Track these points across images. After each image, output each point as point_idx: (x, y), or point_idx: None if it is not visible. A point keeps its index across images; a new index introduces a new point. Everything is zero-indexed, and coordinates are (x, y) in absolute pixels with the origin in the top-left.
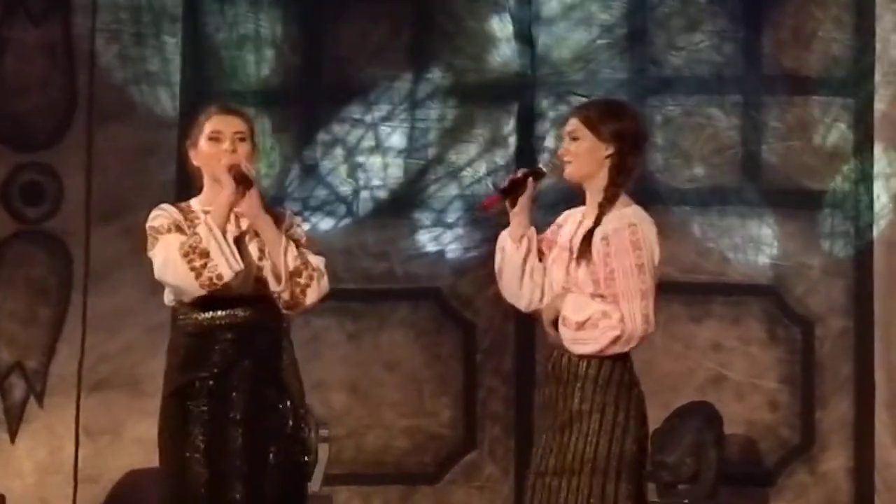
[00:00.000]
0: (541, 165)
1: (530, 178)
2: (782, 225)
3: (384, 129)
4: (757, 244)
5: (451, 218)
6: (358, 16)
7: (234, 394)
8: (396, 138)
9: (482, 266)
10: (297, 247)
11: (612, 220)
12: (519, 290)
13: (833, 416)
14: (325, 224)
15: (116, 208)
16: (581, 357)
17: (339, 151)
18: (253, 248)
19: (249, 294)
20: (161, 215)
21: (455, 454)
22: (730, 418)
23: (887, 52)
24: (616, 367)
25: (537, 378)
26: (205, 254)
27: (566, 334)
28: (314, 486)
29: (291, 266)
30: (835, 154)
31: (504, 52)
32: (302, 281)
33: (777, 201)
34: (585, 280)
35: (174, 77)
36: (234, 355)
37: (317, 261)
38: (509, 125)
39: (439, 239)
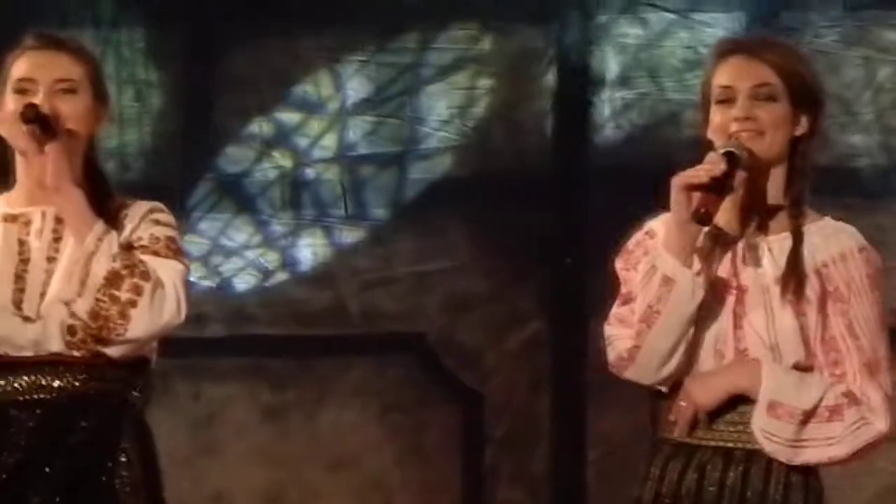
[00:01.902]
0: (731, 147)
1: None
2: None
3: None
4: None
5: (427, 218)
6: None
7: None
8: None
9: (495, 300)
10: (129, 248)
11: (821, 238)
12: (673, 350)
13: None
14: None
15: None
16: (768, 468)
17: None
18: (71, 257)
19: (62, 350)
20: None
21: None
22: None
23: None
24: (819, 483)
25: (591, 490)
26: None
27: (782, 430)
28: None
29: (103, 271)
30: None
31: None
32: (121, 295)
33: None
34: (794, 336)
35: None
36: (33, 450)
37: (165, 269)
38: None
39: (418, 254)
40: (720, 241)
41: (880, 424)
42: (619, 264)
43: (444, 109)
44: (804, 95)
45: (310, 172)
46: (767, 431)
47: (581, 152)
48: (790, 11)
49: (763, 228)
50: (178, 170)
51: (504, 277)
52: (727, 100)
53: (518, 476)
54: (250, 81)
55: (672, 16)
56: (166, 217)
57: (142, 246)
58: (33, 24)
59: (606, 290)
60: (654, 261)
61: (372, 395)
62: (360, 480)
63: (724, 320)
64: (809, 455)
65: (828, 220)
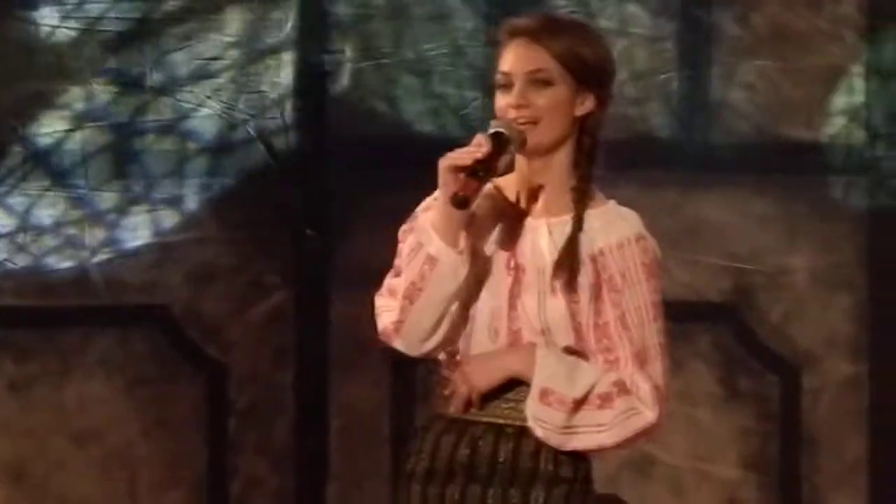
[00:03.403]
0: (497, 127)
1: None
2: (747, 203)
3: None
4: (705, 235)
5: (188, 181)
6: None
7: None
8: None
9: (238, 272)
10: None
11: (602, 223)
12: (435, 326)
13: None
14: None
15: None
16: (540, 441)
17: None
18: None
19: None
20: None
21: None
22: None
23: None
24: (589, 457)
25: (333, 461)
26: None
27: (553, 417)
28: None
29: None
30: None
31: None
32: None
33: (739, 164)
34: (564, 323)
35: None
36: None
37: None
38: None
39: (163, 225)
40: (507, 218)
41: (649, 414)
42: (399, 235)
43: (187, 80)
44: (586, 74)
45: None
46: (539, 418)
47: (321, 123)
48: None
49: (548, 209)
50: None
51: (247, 249)
52: (506, 85)
53: (262, 447)
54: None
55: None
56: None
57: None
58: None
59: (352, 261)
60: (420, 237)
61: (116, 369)
62: (106, 453)
63: (501, 299)
64: (579, 441)
65: (611, 204)
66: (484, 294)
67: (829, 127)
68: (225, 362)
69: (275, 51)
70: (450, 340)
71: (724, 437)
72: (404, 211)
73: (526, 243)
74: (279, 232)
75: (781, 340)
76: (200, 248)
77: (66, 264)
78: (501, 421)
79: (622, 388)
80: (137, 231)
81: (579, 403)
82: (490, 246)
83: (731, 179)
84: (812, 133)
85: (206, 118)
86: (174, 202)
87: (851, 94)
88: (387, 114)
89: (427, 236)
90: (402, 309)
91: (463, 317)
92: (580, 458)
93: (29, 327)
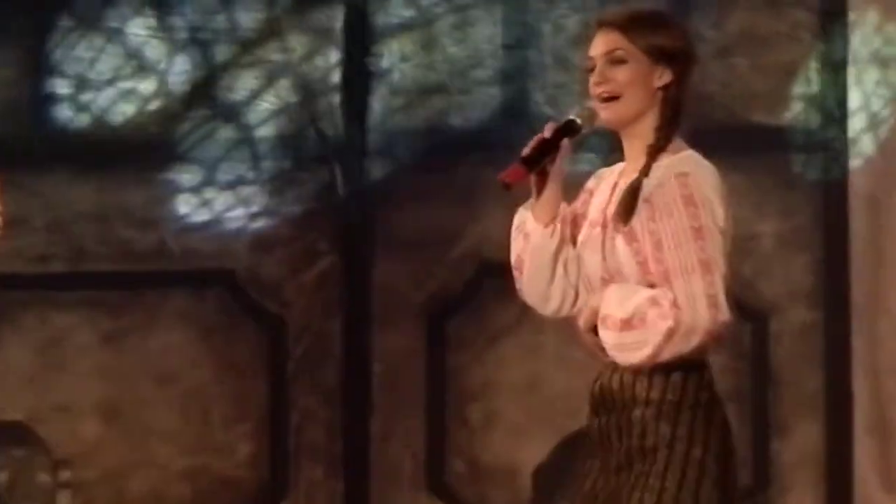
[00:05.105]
0: (572, 116)
1: (563, 137)
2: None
3: (136, 38)
4: None
5: (251, 167)
6: None
7: None
8: (166, 54)
9: (294, 238)
10: None
11: (657, 173)
12: (548, 291)
13: (796, 447)
14: (67, 180)
15: None
16: (636, 372)
17: (82, 75)
18: None
19: None
20: None
21: None
22: None
23: None
24: (689, 381)
25: (375, 398)
26: None
27: (609, 339)
28: None
29: None
30: (797, 77)
31: None
32: None
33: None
34: (629, 262)
35: None
36: None
37: None
38: (334, 28)
39: (231, 201)
40: (611, 181)
41: (665, 323)
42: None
43: None
44: (661, 51)
45: None
46: (605, 340)
47: (363, 113)
48: None
49: (634, 170)
50: None
51: (300, 222)
52: (592, 68)
53: (315, 386)
54: None
55: None
56: None
57: None
58: None
59: (388, 231)
60: (519, 219)
61: (192, 323)
62: (184, 392)
63: (597, 253)
64: (633, 357)
65: (684, 154)
66: (586, 252)
67: (789, 113)
68: (283, 316)
69: (324, 53)
70: (573, 299)
71: None
72: (433, 191)
73: (612, 201)
74: (328, 207)
75: (751, 293)
76: (261, 221)
77: (150, 236)
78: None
79: (654, 303)
80: (208, 207)
81: (627, 323)
82: (594, 210)
83: (708, 158)
84: (775, 118)
85: (268, 111)
86: (238, 182)
87: (808, 84)
88: (420, 107)
89: (522, 216)
90: (517, 280)
91: (579, 276)
92: (669, 381)
93: (119, 288)
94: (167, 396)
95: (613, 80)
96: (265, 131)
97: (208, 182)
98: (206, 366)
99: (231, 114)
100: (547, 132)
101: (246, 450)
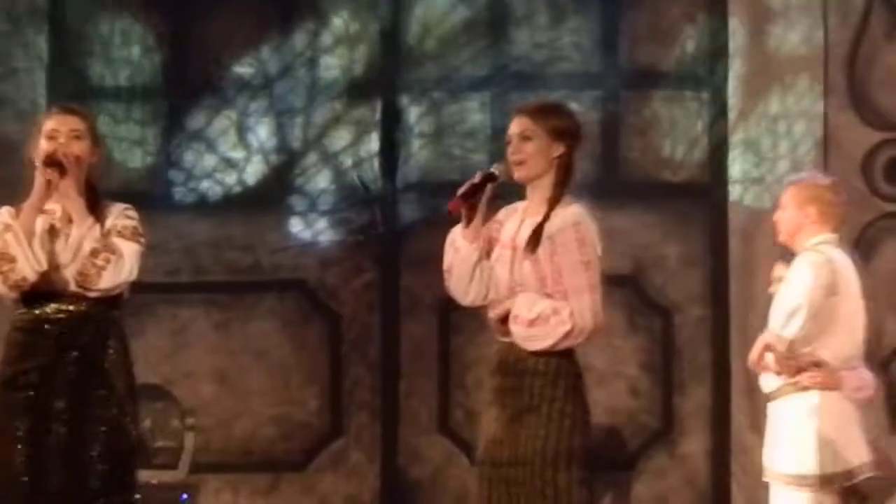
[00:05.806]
0: (492, 169)
1: (486, 183)
2: (641, 217)
3: (250, 121)
4: (617, 236)
5: (317, 209)
6: (225, 11)
7: (58, 385)
8: (263, 132)
9: (347, 258)
10: (108, 233)
11: (556, 219)
12: (467, 288)
13: (692, 402)
14: (192, 217)
15: None
16: (532, 353)
17: (204, 145)
18: (74, 237)
19: (76, 289)
20: None
21: (322, 442)
22: (593, 406)
23: (741, 47)
24: (563, 361)
25: (402, 367)
26: (11, 258)
27: (519, 332)
28: (180, 473)
29: (88, 247)
30: (692, 148)
31: (368, 48)
32: (98, 262)
33: (636, 193)
34: (531, 278)
35: (41, 73)
36: (59, 348)
37: (126, 248)
38: (374, 118)
39: (304, 232)
40: (515, 220)
41: (564, 327)
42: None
43: None
44: (556, 132)
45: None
46: (515, 333)
47: (395, 155)
48: None
49: (536, 212)
50: None
51: (350, 245)
52: (509, 142)
53: (361, 360)
54: None
55: None
56: (132, 213)
57: (117, 231)
58: None
59: (413, 252)
60: (452, 235)
61: (277, 316)
62: (272, 365)
63: (506, 268)
64: (536, 345)
65: (574, 206)
66: (497, 265)
67: (686, 172)
68: (339, 312)
69: (367, 138)
70: (483, 296)
71: (629, 351)
72: (440, 226)
73: (520, 232)
74: (370, 237)
75: (661, 296)
76: (324, 246)
77: (248, 257)
78: (510, 339)
79: (554, 312)
80: (288, 237)
81: (532, 322)
82: (505, 236)
83: (631, 203)
84: (677, 177)
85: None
86: (304, 214)
87: (702, 155)
88: (434, 171)
89: (453, 236)
90: (447, 279)
91: (489, 281)
92: (554, 359)
93: (226, 293)
94: (260, 367)
95: (523, 151)
96: (327, 184)
97: (288, 218)
98: (287, 346)
99: (307, 174)
100: (476, 178)
101: (314, 403)
